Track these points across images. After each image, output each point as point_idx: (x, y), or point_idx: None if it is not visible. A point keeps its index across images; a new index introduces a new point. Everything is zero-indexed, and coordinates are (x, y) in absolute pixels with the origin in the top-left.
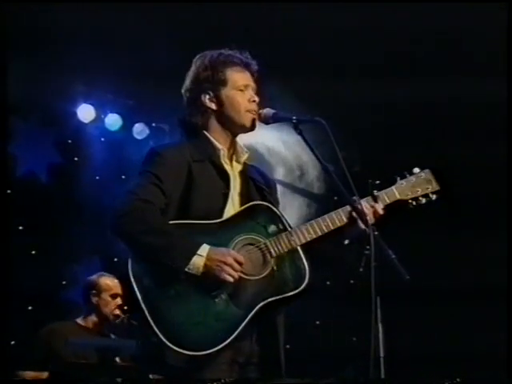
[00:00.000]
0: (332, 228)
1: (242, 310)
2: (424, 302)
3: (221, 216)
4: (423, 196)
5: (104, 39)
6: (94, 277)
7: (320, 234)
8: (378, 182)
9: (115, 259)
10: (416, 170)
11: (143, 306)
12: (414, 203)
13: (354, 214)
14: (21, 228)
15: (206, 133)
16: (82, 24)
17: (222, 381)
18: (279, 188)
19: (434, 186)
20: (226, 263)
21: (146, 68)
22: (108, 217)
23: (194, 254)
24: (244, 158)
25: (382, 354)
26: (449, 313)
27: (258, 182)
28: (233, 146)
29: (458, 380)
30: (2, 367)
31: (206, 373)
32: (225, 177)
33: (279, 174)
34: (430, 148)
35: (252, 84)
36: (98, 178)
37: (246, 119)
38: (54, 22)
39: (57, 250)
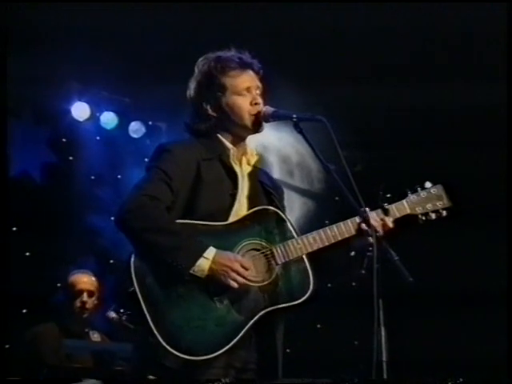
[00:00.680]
0: (339, 238)
1: (243, 317)
2: (428, 304)
3: (227, 217)
4: (433, 212)
5: (99, 35)
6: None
7: (327, 243)
8: (388, 195)
9: (111, 261)
10: (428, 184)
11: (143, 305)
12: (424, 218)
13: (363, 223)
14: (14, 229)
15: (217, 134)
16: (77, 20)
17: (221, 382)
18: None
19: (445, 202)
20: (232, 268)
21: (143, 64)
22: (115, 212)
23: (200, 256)
24: (254, 160)
25: (384, 359)
26: (453, 316)
27: (266, 186)
28: (242, 147)
29: (460, 380)
30: None
31: (201, 376)
32: (233, 177)
33: (278, 173)
34: (431, 152)
35: (255, 84)
36: (93, 177)
37: (250, 123)
38: (47, 18)
39: (51, 251)
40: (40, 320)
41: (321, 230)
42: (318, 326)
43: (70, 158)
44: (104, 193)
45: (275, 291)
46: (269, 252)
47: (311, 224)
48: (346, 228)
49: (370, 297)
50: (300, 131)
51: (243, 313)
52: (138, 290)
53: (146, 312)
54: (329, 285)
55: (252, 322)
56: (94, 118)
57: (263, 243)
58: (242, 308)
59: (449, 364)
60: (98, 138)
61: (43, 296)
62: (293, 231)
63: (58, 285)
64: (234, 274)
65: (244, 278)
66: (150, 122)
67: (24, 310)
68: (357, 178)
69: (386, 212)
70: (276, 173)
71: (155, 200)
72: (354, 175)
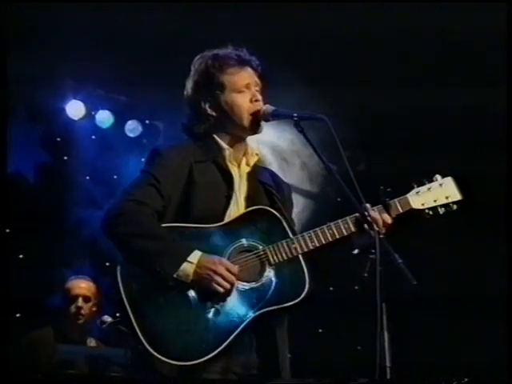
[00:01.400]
0: (337, 237)
1: (235, 320)
2: (432, 308)
3: (222, 219)
4: (442, 206)
5: (94, 32)
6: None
7: (324, 242)
8: (389, 189)
9: (107, 263)
10: (437, 177)
11: (129, 311)
12: (431, 213)
13: (364, 220)
14: (8, 231)
15: (213, 134)
16: (72, 17)
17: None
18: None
19: (454, 195)
20: (216, 272)
21: (139, 62)
22: (101, 216)
23: (184, 260)
24: (254, 160)
25: (388, 364)
26: (457, 319)
27: (268, 185)
28: (242, 147)
29: (465, 380)
30: None
31: (199, 382)
32: (228, 178)
33: (281, 173)
34: (431, 155)
35: (254, 81)
36: (88, 178)
37: (250, 122)
38: (41, 14)
39: (46, 254)
40: (34, 325)
41: (317, 229)
42: (320, 330)
43: (65, 157)
44: (99, 193)
45: (268, 293)
46: (262, 252)
47: (314, 226)
48: (344, 226)
49: (373, 300)
50: (301, 130)
51: (234, 316)
52: (124, 296)
53: (132, 319)
54: (331, 288)
55: (244, 324)
56: (89, 116)
57: (256, 244)
58: (233, 311)
59: (453, 369)
60: (93, 137)
61: (37, 300)
62: (288, 231)
63: (53, 288)
64: (219, 278)
65: (229, 282)
66: (147, 121)
67: (18, 315)
68: (360, 177)
69: (388, 208)
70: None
71: (142, 205)
72: (357, 175)
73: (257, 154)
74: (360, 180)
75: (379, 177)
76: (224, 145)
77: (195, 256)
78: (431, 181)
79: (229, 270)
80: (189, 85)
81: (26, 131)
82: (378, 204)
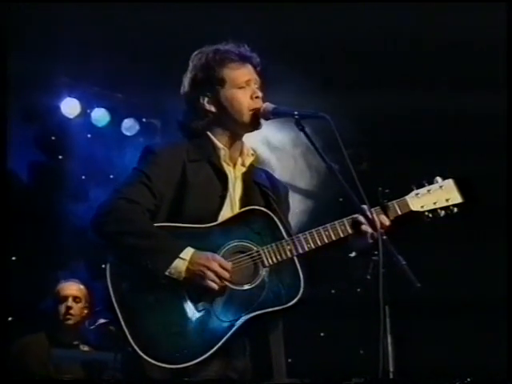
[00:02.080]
0: (334, 239)
1: (227, 322)
2: (436, 311)
3: (216, 220)
4: (442, 208)
5: (90, 28)
6: None
7: (320, 244)
8: (387, 190)
9: (103, 265)
10: (438, 179)
11: (118, 312)
12: (431, 216)
13: (362, 222)
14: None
15: (208, 133)
16: (67, 11)
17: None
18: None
19: (455, 197)
20: (209, 268)
21: (136, 58)
22: (90, 213)
23: (176, 256)
24: (250, 160)
25: (391, 369)
26: (462, 323)
27: (263, 186)
28: (238, 146)
29: (468, 380)
30: None
31: None
32: (223, 178)
33: (278, 174)
34: (431, 157)
35: (254, 77)
36: (83, 177)
37: (250, 118)
38: (35, 9)
39: (39, 255)
40: (27, 328)
41: (313, 230)
42: (322, 334)
43: (60, 156)
44: (95, 193)
45: (262, 295)
46: (256, 254)
47: (315, 227)
48: (341, 228)
49: (376, 303)
50: (302, 129)
51: (226, 318)
52: (113, 298)
53: (121, 321)
54: (332, 291)
55: (236, 327)
56: (84, 114)
57: (250, 245)
58: (225, 313)
59: (456, 372)
60: (88, 135)
61: (31, 303)
62: (283, 232)
63: (47, 291)
64: (211, 275)
65: (223, 278)
66: (144, 119)
67: (10, 318)
68: (361, 177)
69: (386, 209)
70: (275, 173)
71: (133, 203)
72: (359, 174)
73: (253, 154)
74: (361, 180)
75: (379, 177)
76: (219, 144)
77: (188, 252)
78: (431, 183)
79: (222, 267)
80: (186, 80)
81: (20, 130)
82: (377, 205)
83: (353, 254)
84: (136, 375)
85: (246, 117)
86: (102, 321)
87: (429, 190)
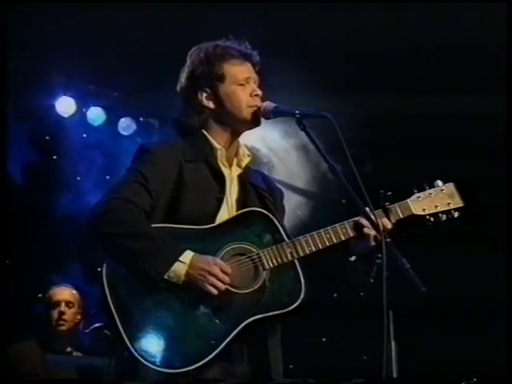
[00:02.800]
0: (335, 241)
1: (227, 326)
2: (441, 316)
3: (213, 222)
4: (443, 212)
5: (85, 25)
6: None
7: (321, 247)
8: (389, 193)
9: (98, 269)
10: (438, 182)
11: (116, 317)
12: (432, 219)
13: (364, 225)
14: None
15: (204, 131)
16: (62, 9)
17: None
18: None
19: (456, 201)
20: (210, 273)
21: (133, 56)
22: (86, 215)
23: (176, 260)
24: (246, 161)
25: (394, 375)
26: (467, 328)
27: (259, 188)
28: (234, 147)
29: (474, 380)
30: None
31: None
32: (220, 180)
33: (278, 175)
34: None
35: (253, 76)
36: (79, 178)
37: (248, 115)
38: (30, 7)
39: (33, 258)
40: (20, 334)
41: (314, 233)
42: (324, 339)
43: (54, 157)
44: (91, 195)
45: (262, 298)
46: (256, 256)
47: (316, 229)
48: (342, 231)
49: (379, 307)
50: (303, 128)
51: (226, 322)
52: (110, 301)
53: (119, 324)
54: (335, 295)
55: (236, 332)
56: (80, 113)
57: (249, 247)
58: (225, 317)
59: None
60: (84, 135)
61: (24, 308)
62: (283, 234)
63: (39, 295)
64: (212, 279)
65: (223, 283)
66: (141, 119)
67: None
68: (364, 179)
69: (388, 212)
70: (276, 174)
71: (130, 203)
72: (362, 176)
73: (249, 155)
74: (362, 182)
75: (379, 179)
76: (216, 144)
77: (187, 256)
78: (432, 186)
79: (223, 271)
80: (183, 75)
81: (13, 129)
82: (378, 208)
83: (353, 258)
84: (132, 380)
85: (245, 113)
86: (97, 324)
87: (430, 194)
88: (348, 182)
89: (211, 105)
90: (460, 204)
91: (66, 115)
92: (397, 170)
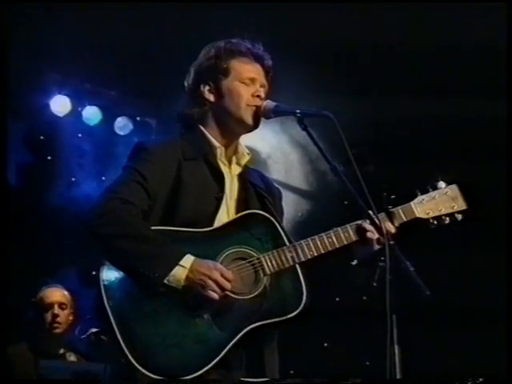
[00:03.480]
0: (337, 246)
1: (227, 333)
2: (446, 320)
3: (211, 223)
4: (447, 215)
5: (81, 22)
6: None
7: (323, 251)
8: (393, 196)
9: (93, 272)
10: (441, 184)
11: (113, 321)
12: (436, 223)
13: (366, 229)
14: None
15: (202, 128)
16: (57, 8)
17: None
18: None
19: (460, 204)
20: (210, 278)
21: (130, 54)
22: (83, 216)
23: (176, 264)
24: (245, 160)
25: None
26: (472, 333)
27: (259, 188)
28: (233, 145)
29: (480, 380)
30: None
31: None
32: (219, 179)
33: (280, 174)
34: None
35: (261, 79)
36: (74, 179)
37: (247, 115)
38: (25, 5)
39: (27, 262)
40: (12, 339)
41: (316, 237)
42: (325, 344)
43: (49, 157)
44: (86, 197)
45: (263, 304)
46: (256, 261)
47: (317, 231)
48: (344, 235)
49: (383, 312)
50: (304, 128)
51: (226, 329)
52: (107, 305)
53: (116, 330)
54: (337, 299)
55: (236, 339)
56: (75, 112)
57: (250, 251)
58: (225, 323)
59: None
60: (79, 135)
61: (16, 312)
62: (285, 238)
63: (32, 299)
64: (213, 284)
65: (224, 288)
66: (138, 118)
67: None
68: (368, 179)
69: (391, 216)
70: (276, 174)
71: (128, 204)
72: (364, 176)
73: (248, 154)
74: (369, 182)
75: (381, 181)
76: (215, 143)
77: (188, 260)
78: (434, 188)
79: (224, 276)
80: (192, 69)
81: (6, 129)
82: (380, 211)
83: (354, 263)
84: None
85: (243, 112)
86: (93, 330)
87: (434, 197)
88: (350, 183)
89: (212, 98)
90: (464, 206)
91: (61, 114)
92: (398, 171)
